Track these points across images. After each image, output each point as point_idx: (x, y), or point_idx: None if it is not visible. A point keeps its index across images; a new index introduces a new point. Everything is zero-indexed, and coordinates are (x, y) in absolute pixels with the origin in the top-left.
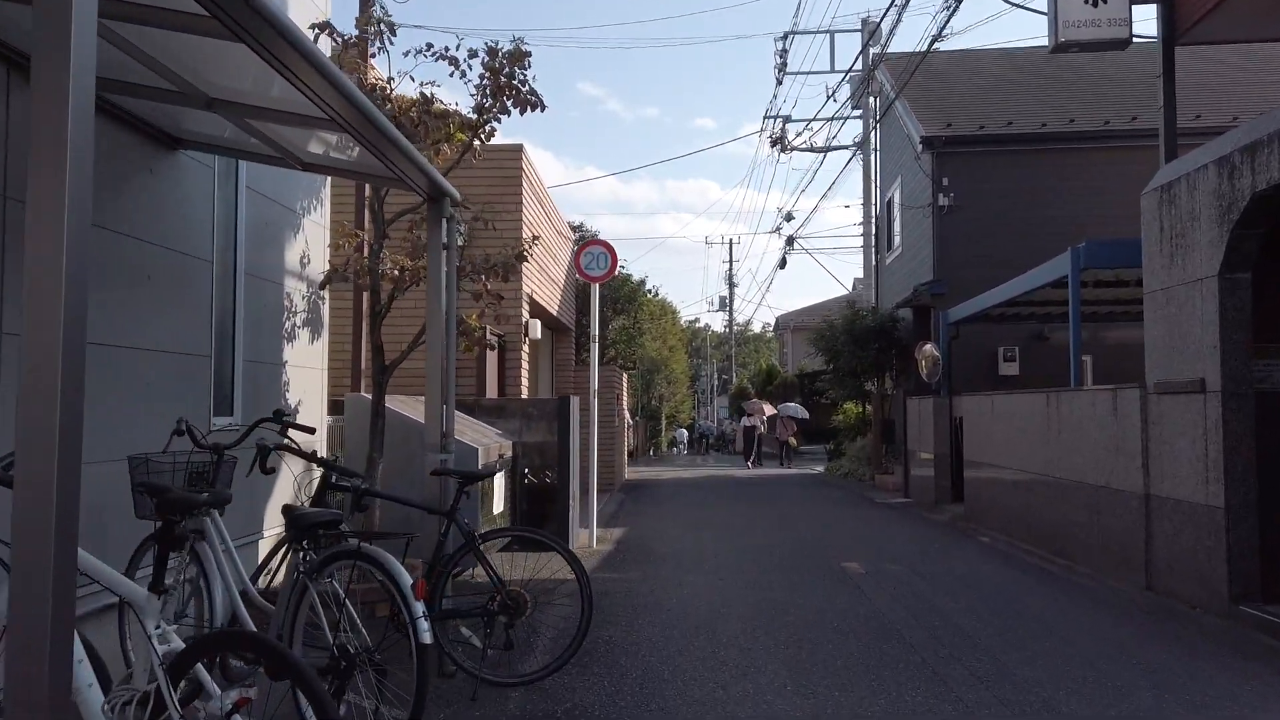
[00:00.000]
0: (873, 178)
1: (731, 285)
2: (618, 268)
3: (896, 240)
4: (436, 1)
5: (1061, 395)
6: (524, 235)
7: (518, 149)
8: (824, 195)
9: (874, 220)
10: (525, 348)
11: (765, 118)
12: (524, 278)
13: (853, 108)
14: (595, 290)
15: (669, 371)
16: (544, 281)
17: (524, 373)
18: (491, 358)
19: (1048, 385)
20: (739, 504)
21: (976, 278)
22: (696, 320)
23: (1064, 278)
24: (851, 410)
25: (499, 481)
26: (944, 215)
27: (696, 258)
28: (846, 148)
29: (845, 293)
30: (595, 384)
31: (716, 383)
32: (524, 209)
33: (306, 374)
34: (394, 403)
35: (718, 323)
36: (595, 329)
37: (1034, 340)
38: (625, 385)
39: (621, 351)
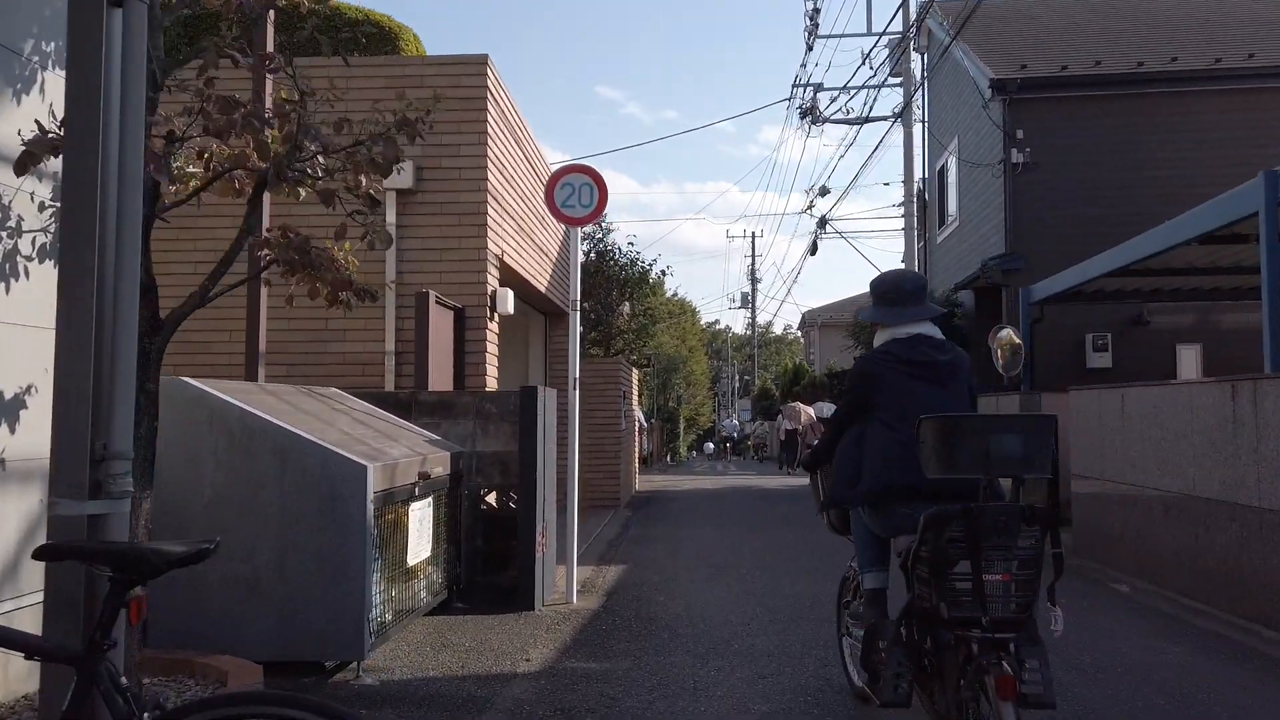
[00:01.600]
0: (918, 146)
1: (754, 281)
2: (628, 244)
3: (951, 212)
4: None
5: (1262, 385)
6: (489, 179)
7: (481, 60)
8: (865, 162)
9: (915, 199)
10: (492, 325)
11: (794, 86)
12: (490, 231)
13: (890, 72)
14: (576, 237)
15: (688, 372)
16: (524, 244)
17: (490, 358)
18: (442, 336)
19: (1147, 380)
20: (771, 526)
21: (1058, 250)
22: (717, 322)
23: (1242, 221)
24: None
25: (421, 514)
26: (1018, 175)
27: (717, 261)
28: (885, 118)
29: None
30: (575, 369)
31: (738, 384)
32: (490, 143)
33: (30, 337)
34: (216, 387)
35: (739, 324)
36: (575, 293)
37: (1131, 325)
38: (636, 382)
39: (630, 343)
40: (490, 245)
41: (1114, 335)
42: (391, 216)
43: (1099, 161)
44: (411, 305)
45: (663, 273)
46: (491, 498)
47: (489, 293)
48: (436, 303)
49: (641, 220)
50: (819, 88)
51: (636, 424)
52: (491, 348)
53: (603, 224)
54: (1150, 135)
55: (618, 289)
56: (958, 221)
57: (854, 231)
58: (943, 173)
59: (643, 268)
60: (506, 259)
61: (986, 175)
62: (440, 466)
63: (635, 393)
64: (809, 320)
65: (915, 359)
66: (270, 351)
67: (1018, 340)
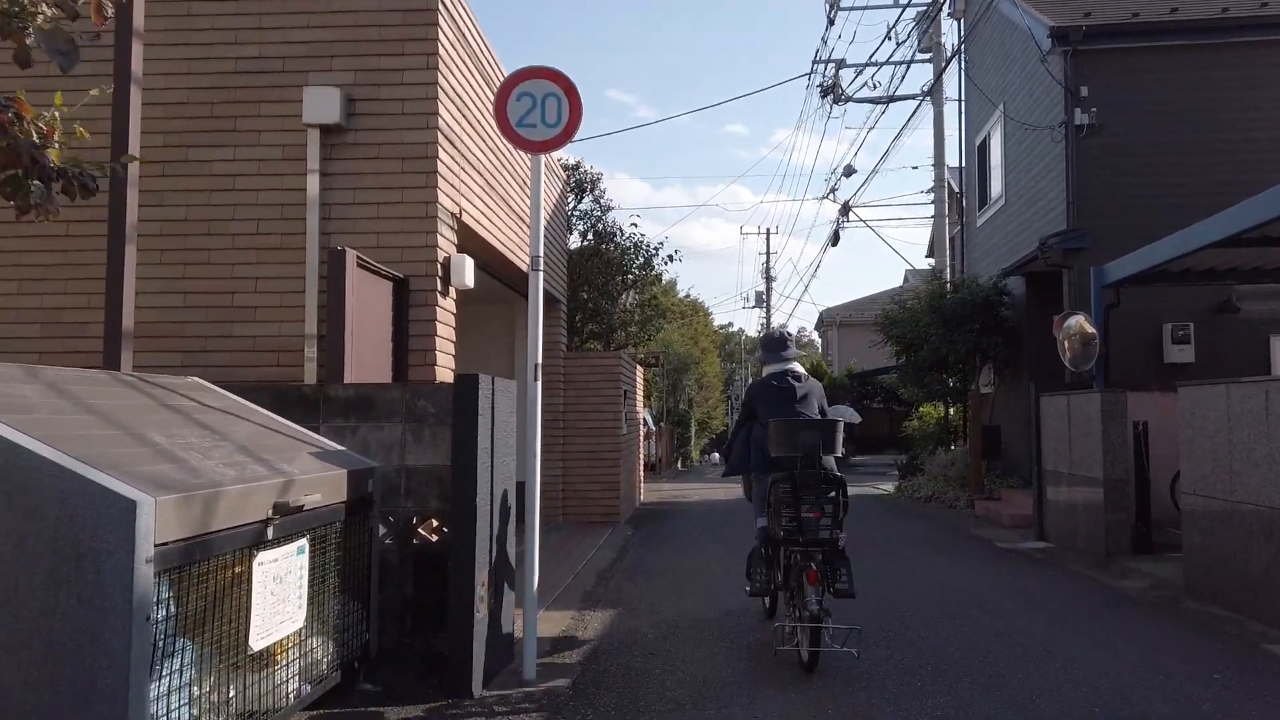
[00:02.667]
0: (951, 125)
1: (769, 279)
2: (631, 225)
3: (995, 191)
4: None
5: None
6: (442, 113)
7: None
8: (897, 135)
9: (946, 184)
10: (445, 301)
11: (814, 62)
12: (443, 181)
13: (919, 47)
14: (539, 171)
15: (700, 374)
16: (497, 207)
17: (442, 342)
18: (375, 313)
19: (1237, 377)
20: None
21: (1129, 225)
22: (730, 324)
23: None
24: (931, 414)
25: (283, 566)
26: (1082, 139)
27: (729, 263)
28: (913, 97)
29: (899, 283)
30: (536, 352)
31: None
32: (443, 68)
33: None
34: None
35: (752, 326)
36: (537, 245)
37: (1216, 312)
38: (641, 381)
39: (634, 336)
40: (443, 199)
41: (1196, 325)
42: (313, 161)
43: (1174, 124)
44: (360, 286)
45: (670, 258)
46: (431, 528)
47: (441, 259)
48: (362, 267)
49: (649, 205)
50: (841, 64)
51: (641, 427)
52: (444, 329)
53: (602, 201)
54: (1236, 91)
55: (620, 275)
56: (1003, 200)
57: (878, 220)
58: (983, 148)
59: (648, 252)
60: (468, 220)
61: (1042, 143)
62: (322, 492)
63: (640, 393)
64: (826, 319)
65: (781, 385)
66: (159, 335)
67: (1090, 330)
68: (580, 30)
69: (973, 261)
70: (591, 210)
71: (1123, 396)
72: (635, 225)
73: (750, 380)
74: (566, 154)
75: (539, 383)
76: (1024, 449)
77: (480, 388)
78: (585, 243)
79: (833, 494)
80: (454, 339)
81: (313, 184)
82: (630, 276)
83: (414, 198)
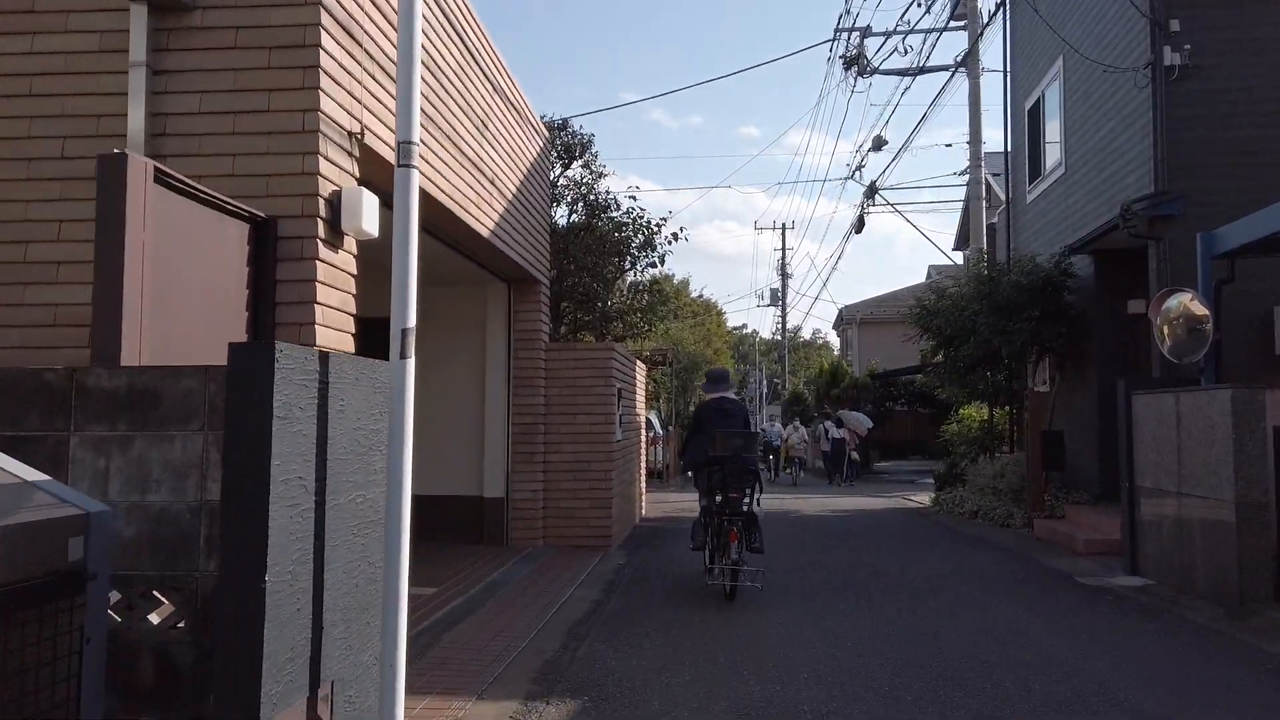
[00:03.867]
0: (991, 97)
1: (784, 276)
2: (629, 198)
3: (1052, 159)
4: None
5: None
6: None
7: None
8: (936, 98)
9: (983, 165)
10: (335, 253)
11: (836, 31)
12: (328, 79)
13: (952, 15)
14: None
15: None
16: (434, 142)
17: (326, 312)
18: (213, 266)
19: None
20: (832, 591)
21: (1232, 187)
22: (744, 326)
23: None
24: (973, 416)
25: None
26: (1172, 83)
27: (742, 267)
28: (945, 68)
29: (921, 280)
30: (408, 311)
31: (766, 389)
32: None
33: None
34: None
35: (765, 328)
36: (410, 129)
37: None
38: (642, 379)
39: (635, 326)
40: (330, 109)
41: None
42: (139, 52)
43: None
44: (175, 223)
45: (675, 236)
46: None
47: (327, 193)
48: (172, 187)
49: (652, 190)
50: (866, 31)
51: (644, 432)
52: (332, 293)
53: (594, 167)
54: None
55: (615, 255)
56: (1063, 168)
57: (905, 203)
58: (1035, 113)
59: (649, 230)
60: (376, 145)
61: (1119, 93)
62: None
63: (641, 392)
64: (846, 316)
65: (721, 407)
66: None
67: (1198, 311)
68: (587, 31)
69: (1021, 243)
70: (583, 179)
71: (1260, 395)
72: (635, 199)
73: (734, 395)
74: (553, 112)
75: (409, 361)
76: (1090, 458)
77: (279, 368)
78: (575, 217)
79: (749, 481)
80: (351, 309)
81: (138, 84)
82: (628, 258)
83: (286, 104)
